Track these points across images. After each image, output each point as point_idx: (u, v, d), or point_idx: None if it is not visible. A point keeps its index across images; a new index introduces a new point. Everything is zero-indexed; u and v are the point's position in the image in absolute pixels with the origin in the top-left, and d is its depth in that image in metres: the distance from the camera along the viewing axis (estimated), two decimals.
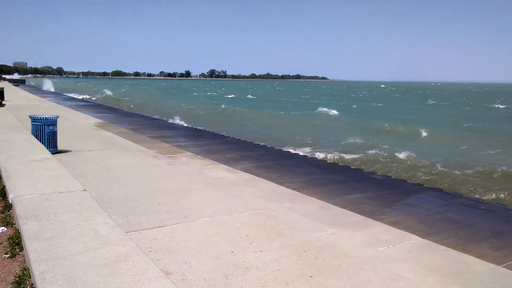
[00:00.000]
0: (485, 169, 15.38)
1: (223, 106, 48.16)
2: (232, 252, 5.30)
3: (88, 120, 21.57)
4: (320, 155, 14.95)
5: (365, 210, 8.31)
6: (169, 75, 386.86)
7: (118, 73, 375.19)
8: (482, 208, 9.09)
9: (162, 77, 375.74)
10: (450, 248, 6.28)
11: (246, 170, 11.24)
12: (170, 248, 5.29)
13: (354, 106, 58.54)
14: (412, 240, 6.40)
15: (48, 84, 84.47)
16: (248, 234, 6.07)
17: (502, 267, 5.81)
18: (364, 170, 12.57)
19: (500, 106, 61.73)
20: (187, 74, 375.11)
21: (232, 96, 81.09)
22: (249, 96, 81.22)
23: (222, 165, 11.60)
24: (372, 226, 7.09)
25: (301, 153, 15.98)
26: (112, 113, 29.07)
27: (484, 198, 9.56)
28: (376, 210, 8.41)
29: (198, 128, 22.19)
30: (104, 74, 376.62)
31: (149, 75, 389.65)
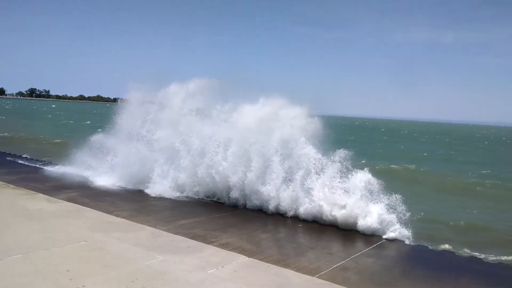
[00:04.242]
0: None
1: None
2: None
3: None
4: None
5: (197, 235, 8.41)
6: None
7: None
8: (300, 225, 10.09)
9: None
10: (273, 264, 6.78)
11: (70, 200, 10.33)
12: None
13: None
14: (239, 260, 6.71)
15: None
16: (69, 269, 5.55)
17: (316, 277, 6.51)
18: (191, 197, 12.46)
19: None
20: (1, 91, 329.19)
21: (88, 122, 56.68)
22: None
23: (41, 195, 10.43)
24: (203, 250, 7.21)
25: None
26: None
27: (302, 216, 10.53)
28: (207, 234, 8.58)
29: (14, 154, 19.54)
30: None
31: None
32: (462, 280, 7.10)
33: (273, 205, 10.89)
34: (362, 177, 10.41)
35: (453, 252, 8.65)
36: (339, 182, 10.60)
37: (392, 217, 9.61)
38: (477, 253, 8.63)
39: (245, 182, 11.46)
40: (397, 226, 9.43)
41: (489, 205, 14.85)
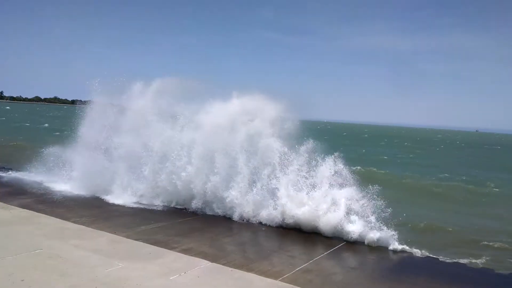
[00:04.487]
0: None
1: None
2: None
3: None
4: None
5: (159, 240, 8.26)
6: None
7: None
8: (263, 229, 10.10)
9: None
10: (236, 268, 6.75)
11: (24, 206, 9.90)
12: None
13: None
14: (202, 265, 6.64)
15: None
16: (23, 279, 5.31)
17: (279, 281, 6.53)
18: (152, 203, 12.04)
19: None
20: None
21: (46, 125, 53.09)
22: None
23: None
24: (165, 256, 7.08)
25: None
26: None
27: (266, 222, 10.47)
28: (169, 239, 8.44)
29: None
30: None
31: None
32: (420, 279, 7.32)
33: (237, 214, 10.68)
34: (331, 164, 10.44)
35: (411, 253, 8.90)
36: (305, 177, 10.58)
37: (364, 203, 9.66)
38: (434, 254, 8.90)
39: (209, 187, 11.17)
40: (372, 218, 9.48)
41: (447, 207, 15.39)
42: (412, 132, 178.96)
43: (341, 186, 10.24)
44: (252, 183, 11.07)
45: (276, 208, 10.34)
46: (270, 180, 10.84)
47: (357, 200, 9.86)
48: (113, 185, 12.19)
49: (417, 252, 8.85)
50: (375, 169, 24.79)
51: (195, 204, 11.26)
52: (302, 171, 10.71)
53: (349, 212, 9.65)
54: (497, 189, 20.57)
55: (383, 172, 24.24)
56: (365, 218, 9.55)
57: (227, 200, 10.89)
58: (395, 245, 9.05)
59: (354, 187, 10.16)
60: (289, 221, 10.08)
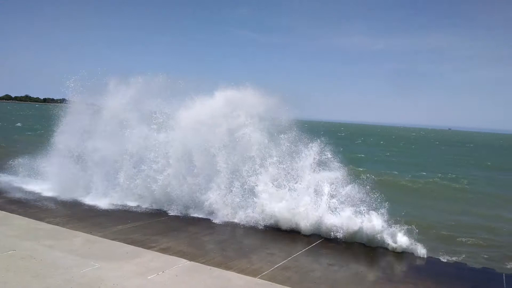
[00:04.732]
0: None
1: None
2: None
3: None
4: None
5: (136, 240, 8.14)
6: None
7: None
8: (242, 227, 10.07)
9: None
10: (215, 267, 6.71)
11: None
12: None
13: None
14: (180, 264, 6.57)
15: None
16: None
17: (258, 278, 6.52)
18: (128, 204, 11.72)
19: None
20: None
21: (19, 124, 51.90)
22: None
23: None
24: (143, 255, 6.98)
25: None
26: None
27: (246, 224, 10.39)
28: (147, 239, 8.33)
29: None
30: None
31: None
32: (396, 274, 7.46)
33: (217, 219, 10.42)
34: (316, 151, 10.42)
35: (387, 248, 9.01)
36: (287, 172, 10.49)
37: (350, 190, 9.62)
38: (410, 249, 9.04)
39: (187, 191, 10.88)
40: (363, 208, 9.42)
41: (424, 204, 15.69)
42: (387, 130, 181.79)
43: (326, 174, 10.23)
44: (231, 181, 10.89)
45: (255, 209, 10.25)
46: (250, 176, 10.69)
47: (342, 186, 9.83)
48: (87, 197, 11.65)
49: (393, 248, 8.95)
50: (352, 166, 25.08)
51: (173, 211, 10.89)
52: (283, 163, 10.61)
53: (332, 197, 9.63)
54: (471, 186, 21.12)
55: (361, 169, 24.53)
56: (354, 208, 9.53)
57: (205, 204, 10.68)
58: (372, 242, 9.08)
59: (340, 172, 10.16)
60: (270, 221, 10.01)
